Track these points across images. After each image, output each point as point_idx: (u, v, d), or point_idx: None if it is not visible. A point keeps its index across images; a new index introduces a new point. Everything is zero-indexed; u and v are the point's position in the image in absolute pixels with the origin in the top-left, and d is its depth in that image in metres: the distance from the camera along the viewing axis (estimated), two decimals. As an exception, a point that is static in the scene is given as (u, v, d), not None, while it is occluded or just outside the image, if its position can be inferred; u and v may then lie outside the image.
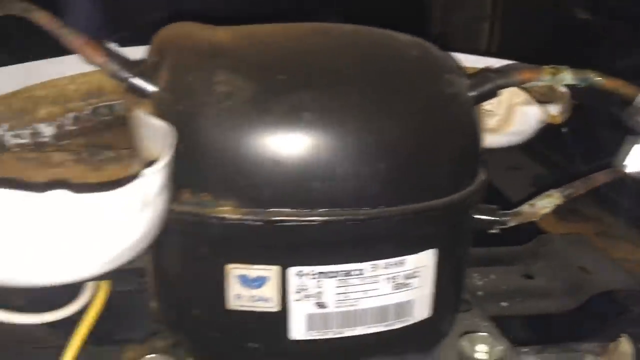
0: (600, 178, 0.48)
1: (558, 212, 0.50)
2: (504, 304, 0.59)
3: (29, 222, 0.28)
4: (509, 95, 0.50)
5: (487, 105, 0.47)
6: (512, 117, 0.51)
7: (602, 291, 0.57)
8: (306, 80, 0.38)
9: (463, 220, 0.43)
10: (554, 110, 0.51)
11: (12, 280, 0.30)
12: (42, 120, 0.51)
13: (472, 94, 0.42)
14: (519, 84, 0.42)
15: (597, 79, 0.43)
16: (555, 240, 0.67)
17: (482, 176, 0.44)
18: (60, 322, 0.53)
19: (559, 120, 0.52)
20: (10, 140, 0.48)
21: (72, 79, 0.53)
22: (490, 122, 0.50)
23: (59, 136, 0.52)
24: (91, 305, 0.40)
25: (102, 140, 0.53)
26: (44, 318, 0.39)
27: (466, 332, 0.47)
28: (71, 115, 0.53)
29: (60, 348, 0.53)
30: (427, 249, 0.41)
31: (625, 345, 0.44)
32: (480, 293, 0.59)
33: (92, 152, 0.48)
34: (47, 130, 0.51)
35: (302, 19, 0.43)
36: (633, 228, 0.72)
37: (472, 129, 0.42)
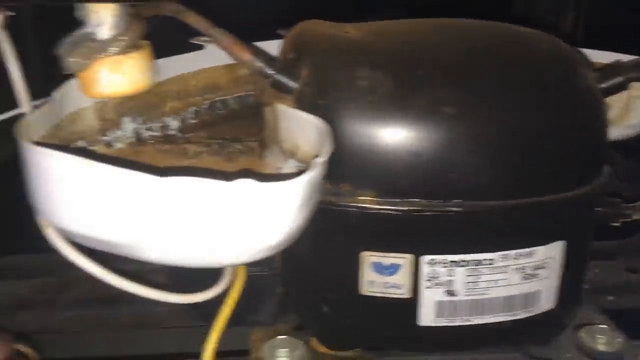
0: None
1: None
2: (610, 297, 0.59)
3: (216, 208, 0.30)
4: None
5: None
6: (630, 109, 0.50)
7: None
8: (444, 76, 0.39)
9: (590, 213, 0.44)
10: (674, 103, 0.50)
11: (190, 261, 0.33)
12: (169, 114, 0.54)
13: (602, 86, 0.43)
14: (651, 77, 0.42)
15: None
16: (658, 235, 0.66)
17: (607, 169, 0.44)
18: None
19: (677, 113, 0.51)
20: (145, 132, 0.52)
21: (193, 74, 0.55)
22: (608, 114, 0.50)
23: (183, 129, 0.55)
24: (232, 288, 0.43)
25: (220, 132, 0.56)
26: (194, 298, 0.41)
27: (582, 325, 0.48)
28: (192, 109, 0.56)
29: (181, 328, 0.57)
30: (556, 240, 0.42)
31: None
32: (586, 286, 0.59)
33: (222, 144, 0.50)
34: (173, 124, 0.54)
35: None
36: None
37: (601, 123, 0.42)
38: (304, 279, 0.44)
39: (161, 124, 0.52)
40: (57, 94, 0.41)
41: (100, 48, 0.36)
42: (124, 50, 0.37)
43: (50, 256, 0.58)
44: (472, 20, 0.45)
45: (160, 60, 0.54)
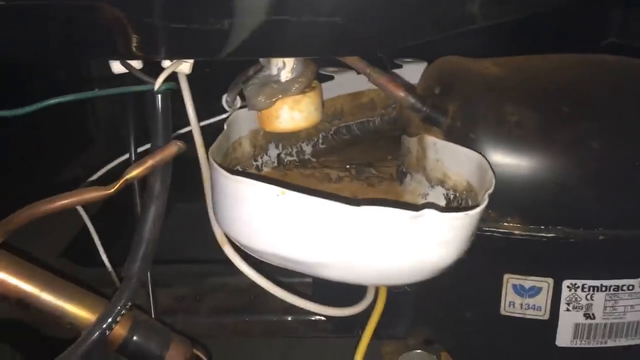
0: None
1: None
2: None
3: (400, 235, 0.34)
4: None
5: None
6: None
7: None
8: (588, 110, 0.42)
9: None
10: None
11: (367, 280, 0.37)
12: (303, 139, 0.59)
13: None
14: None
15: None
16: None
17: None
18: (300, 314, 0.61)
19: None
20: (285, 157, 0.57)
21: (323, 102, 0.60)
22: None
23: (315, 154, 0.59)
24: (377, 303, 0.46)
25: (347, 156, 0.60)
26: (344, 312, 0.45)
27: None
28: (321, 134, 0.61)
29: (311, 338, 0.61)
30: (694, 268, 0.43)
31: None
32: None
33: (358, 169, 0.54)
34: (307, 149, 0.59)
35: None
36: None
37: None
38: (443, 296, 0.48)
39: (297, 149, 0.57)
40: (225, 126, 0.46)
41: (282, 89, 0.41)
42: (302, 90, 0.42)
43: (186, 268, 0.65)
44: (607, 56, 0.48)
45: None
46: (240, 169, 0.51)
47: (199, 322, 0.60)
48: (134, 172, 0.37)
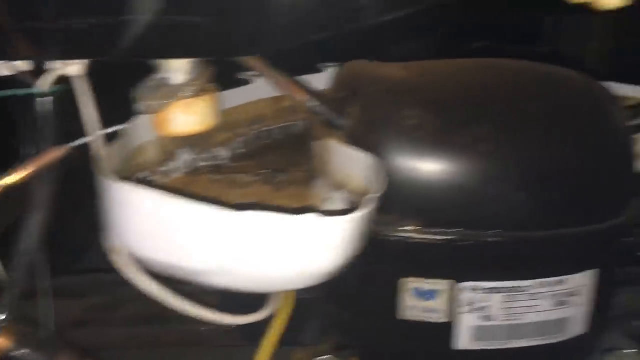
0: None
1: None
2: (637, 323, 0.61)
3: (283, 240, 0.34)
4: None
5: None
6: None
7: None
8: (482, 115, 0.43)
9: (619, 243, 0.46)
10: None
11: (253, 287, 0.36)
12: (220, 144, 0.58)
13: (633, 124, 0.46)
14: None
15: None
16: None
17: (635, 201, 0.47)
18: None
19: None
20: (199, 163, 0.56)
21: (242, 107, 0.59)
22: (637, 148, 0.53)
23: (233, 158, 0.59)
24: (281, 310, 0.46)
25: (267, 161, 0.60)
26: (246, 319, 0.44)
27: (610, 349, 0.50)
28: (240, 139, 0.60)
29: (228, 347, 0.60)
30: (588, 269, 0.44)
31: None
32: (614, 312, 0.61)
33: (270, 174, 0.54)
34: (224, 154, 0.58)
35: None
36: None
37: (629, 159, 0.45)
38: (346, 302, 0.47)
39: (213, 155, 0.56)
40: (126, 131, 0.45)
41: (175, 92, 0.40)
42: (197, 94, 0.41)
43: (101, 277, 0.63)
44: (512, 61, 0.48)
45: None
46: (147, 176, 0.50)
47: (111, 333, 0.59)
48: (11, 179, 0.35)
